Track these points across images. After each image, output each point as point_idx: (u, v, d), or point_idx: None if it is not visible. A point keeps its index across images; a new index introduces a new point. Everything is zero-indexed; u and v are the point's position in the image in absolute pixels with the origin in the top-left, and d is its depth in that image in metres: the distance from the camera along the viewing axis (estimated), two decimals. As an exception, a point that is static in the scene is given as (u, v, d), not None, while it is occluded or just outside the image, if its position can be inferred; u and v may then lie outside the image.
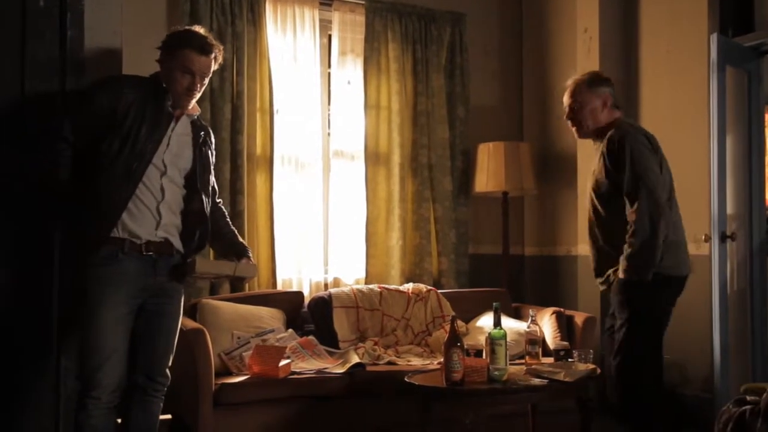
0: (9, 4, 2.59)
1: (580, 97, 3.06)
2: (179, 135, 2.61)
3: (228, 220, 2.91)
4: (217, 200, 2.86)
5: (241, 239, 2.92)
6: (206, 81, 2.61)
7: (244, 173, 4.06)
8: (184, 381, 3.28)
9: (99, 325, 2.41)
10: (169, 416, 3.62)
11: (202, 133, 2.70)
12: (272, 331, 3.64)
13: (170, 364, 2.65)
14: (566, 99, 3.10)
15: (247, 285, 4.02)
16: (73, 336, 2.52)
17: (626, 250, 2.84)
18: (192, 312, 3.64)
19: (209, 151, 2.74)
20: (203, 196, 2.66)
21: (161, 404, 2.64)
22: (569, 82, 3.12)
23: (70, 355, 2.56)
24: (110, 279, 2.44)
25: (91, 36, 2.73)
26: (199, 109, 2.75)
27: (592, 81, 3.08)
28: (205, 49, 2.55)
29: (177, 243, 2.60)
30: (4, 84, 2.59)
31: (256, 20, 4.16)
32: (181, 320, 3.44)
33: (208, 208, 2.70)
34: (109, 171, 2.44)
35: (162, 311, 2.60)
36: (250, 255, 2.81)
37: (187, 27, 2.68)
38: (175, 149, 2.58)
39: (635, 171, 2.83)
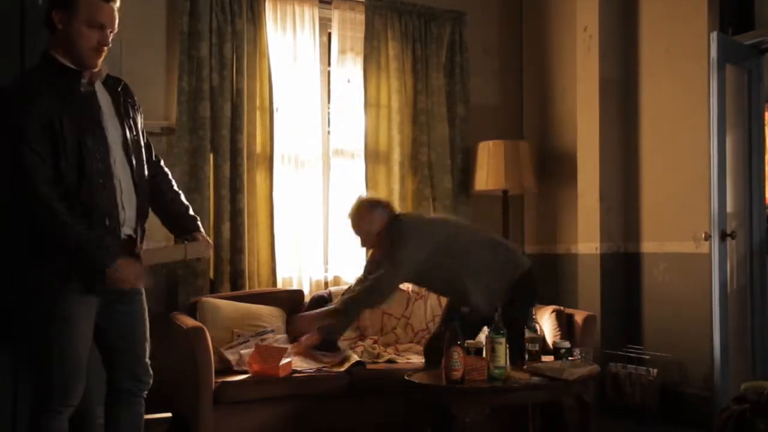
0: (8, 3, 2.59)
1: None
2: (104, 106, 2.35)
3: (175, 188, 2.62)
4: (160, 164, 2.60)
5: (191, 212, 2.63)
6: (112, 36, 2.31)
7: (244, 171, 4.06)
8: (183, 379, 3.29)
9: (71, 335, 2.30)
10: (169, 414, 3.63)
11: (119, 89, 2.41)
12: (272, 331, 3.64)
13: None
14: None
15: (247, 283, 4.04)
16: (33, 341, 2.37)
17: None
18: (192, 310, 3.65)
19: (131, 108, 2.45)
20: (135, 161, 2.41)
21: (144, 404, 2.57)
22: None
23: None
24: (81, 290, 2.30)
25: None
26: (105, 67, 2.38)
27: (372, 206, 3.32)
28: None
29: (138, 235, 2.43)
30: (2, 82, 2.59)
31: (255, 18, 4.16)
32: (182, 318, 3.48)
33: (145, 173, 2.46)
34: (79, 187, 2.23)
35: (133, 309, 2.48)
36: (200, 227, 2.60)
37: None
38: (109, 127, 2.33)
39: None
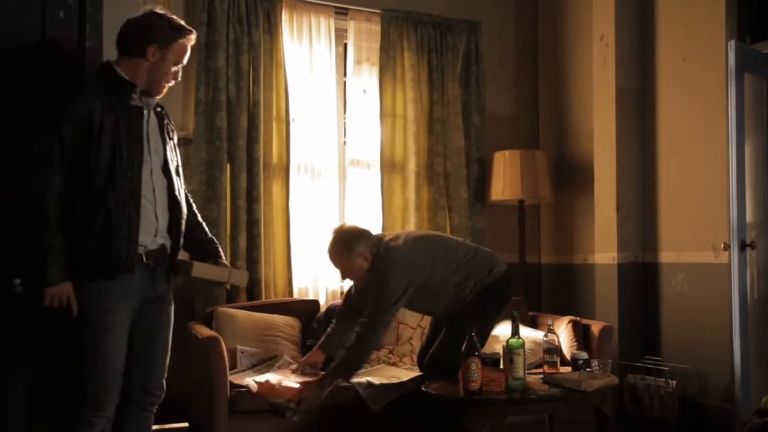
0: (29, 15, 2.62)
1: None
2: (151, 125, 2.49)
3: (198, 216, 2.75)
4: (188, 195, 2.72)
5: (212, 237, 2.77)
6: None
7: (260, 182, 4.08)
8: (199, 389, 3.29)
9: (109, 344, 2.33)
10: (185, 424, 3.64)
11: (162, 112, 2.56)
12: (275, 357, 3.57)
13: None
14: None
15: (243, 290, 4.02)
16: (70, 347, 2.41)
17: None
18: (208, 320, 3.66)
19: (172, 131, 2.60)
20: (176, 183, 2.53)
21: (153, 417, 2.58)
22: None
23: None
24: (117, 293, 2.35)
25: (109, 46, 2.75)
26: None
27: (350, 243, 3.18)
28: (194, 36, 2.51)
29: (168, 245, 2.51)
30: (24, 95, 2.61)
31: (272, 29, 4.18)
32: (198, 328, 3.49)
33: (182, 195, 2.58)
34: (110, 187, 2.31)
35: (158, 321, 2.52)
36: (222, 255, 2.72)
37: (158, 12, 2.50)
38: (153, 143, 2.46)
39: None
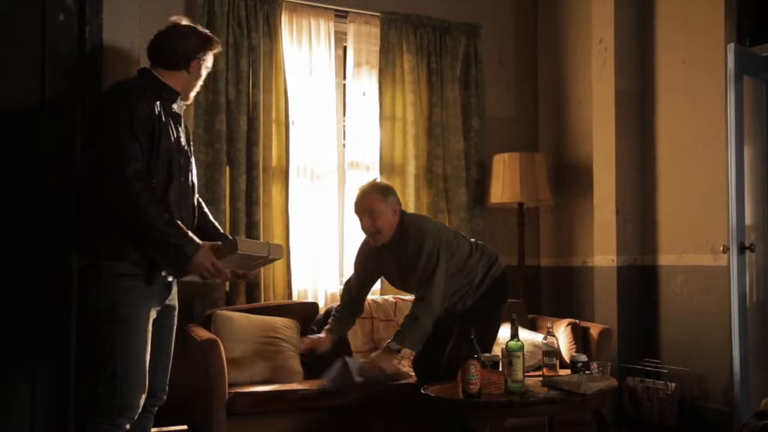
0: (29, 18, 2.63)
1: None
2: (183, 129, 2.58)
3: (208, 213, 2.80)
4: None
5: (223, 231, 2.83)
6: None
7: (260, 184, 4.08)
8: (197, 391, 3.29)
9: (138, 347, 2.32)
10: (184, 427, 3.64)
11: (182, 119, 2.62)
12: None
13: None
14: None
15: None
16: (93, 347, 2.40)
17: None
18: (206, 322, 3.66)
19: (189, 135, 2.69)
20: (194, 188, 2.62)
21: (153, 418, 2.58)
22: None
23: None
24: (143, 291, 2.36)
25: (109, 49, 2.77)
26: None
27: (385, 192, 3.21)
28: (218, 45, 2.63)
29: None
30: (24, 96, 2.62)
31: (272, 33, 4.19)
32: (196, 330, 3.49)
33: (196, 201, 2.66)
34: (170, 188, 2.41)
35: (166, 325, 2.56)
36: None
37: (190, 24, 2.61)
38: (184, 149, 2.54)
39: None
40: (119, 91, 2.40)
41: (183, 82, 2.53)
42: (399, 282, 3.37)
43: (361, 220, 3.20)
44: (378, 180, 3.46)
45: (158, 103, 2.42)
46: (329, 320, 3.46)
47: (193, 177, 2.59)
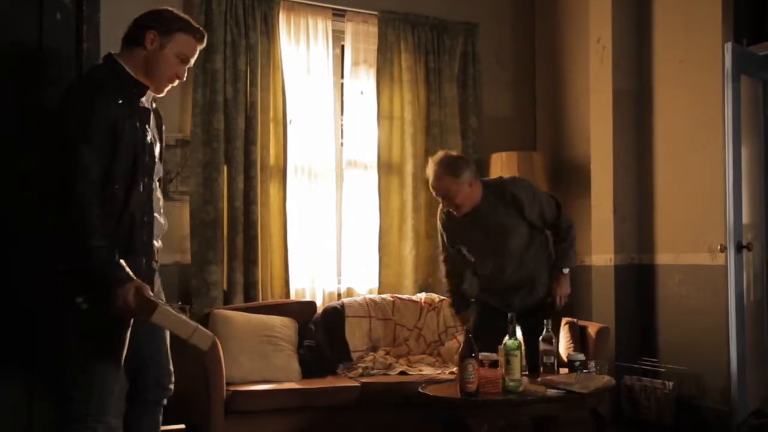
0: (26, 17, 2.62)
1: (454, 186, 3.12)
2: (151, 127, 2.34)
3: None
4: None
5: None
6: None
7: (257, 183, 4.08)
8: (196, 390, 3.29)
9: (114, 350, 2.25)
10: (182, 426, 3.63)
11: (151, 114, 2.38)
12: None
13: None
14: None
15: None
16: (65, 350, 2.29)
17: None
18: (204, 321, 3.65)
19: (162, 132, 2.46)
20: (160, 192, 2.42)
21: (162, 410, 2.54)
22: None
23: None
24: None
25: (106, 49, 2.76)
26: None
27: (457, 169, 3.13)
28: (204, 38, 2.38)
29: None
30: (21, 97, 2.62)
31: (269, 31, 4.18)
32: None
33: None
34: (133, 194, 2.22)
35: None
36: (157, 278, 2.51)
37: (169, 8, 2.38)
38: (155, 150, 2.34)
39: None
40: (81, 88, 2.24)
41: (142, 61, 2.28)
42: (489, 248, 3.24)
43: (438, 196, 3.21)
44: (446, 155, 3.18)
45: (122, 99, 2.22)
46: (454, 300, 3.42)
47: (160, 171, 2.39)
